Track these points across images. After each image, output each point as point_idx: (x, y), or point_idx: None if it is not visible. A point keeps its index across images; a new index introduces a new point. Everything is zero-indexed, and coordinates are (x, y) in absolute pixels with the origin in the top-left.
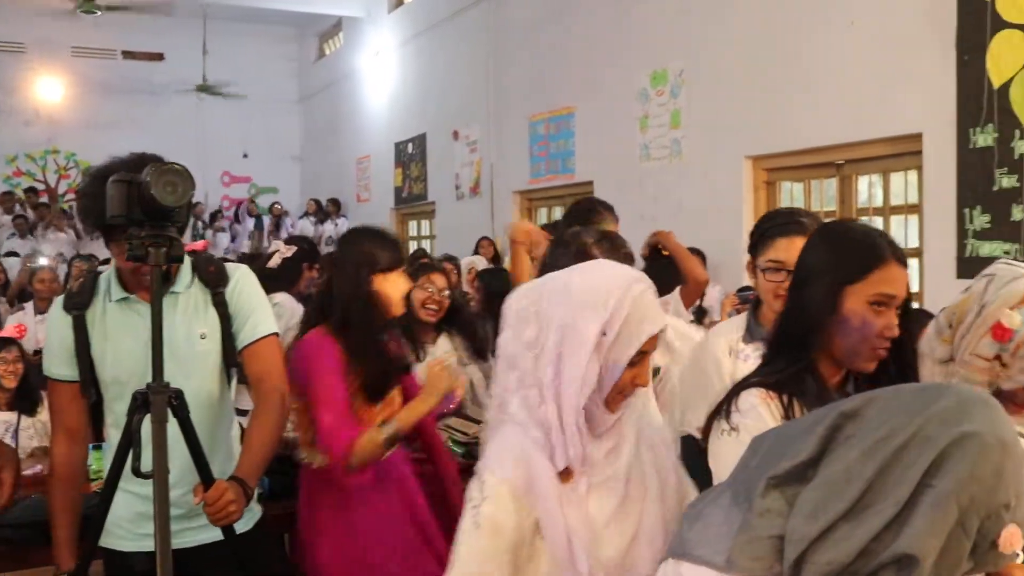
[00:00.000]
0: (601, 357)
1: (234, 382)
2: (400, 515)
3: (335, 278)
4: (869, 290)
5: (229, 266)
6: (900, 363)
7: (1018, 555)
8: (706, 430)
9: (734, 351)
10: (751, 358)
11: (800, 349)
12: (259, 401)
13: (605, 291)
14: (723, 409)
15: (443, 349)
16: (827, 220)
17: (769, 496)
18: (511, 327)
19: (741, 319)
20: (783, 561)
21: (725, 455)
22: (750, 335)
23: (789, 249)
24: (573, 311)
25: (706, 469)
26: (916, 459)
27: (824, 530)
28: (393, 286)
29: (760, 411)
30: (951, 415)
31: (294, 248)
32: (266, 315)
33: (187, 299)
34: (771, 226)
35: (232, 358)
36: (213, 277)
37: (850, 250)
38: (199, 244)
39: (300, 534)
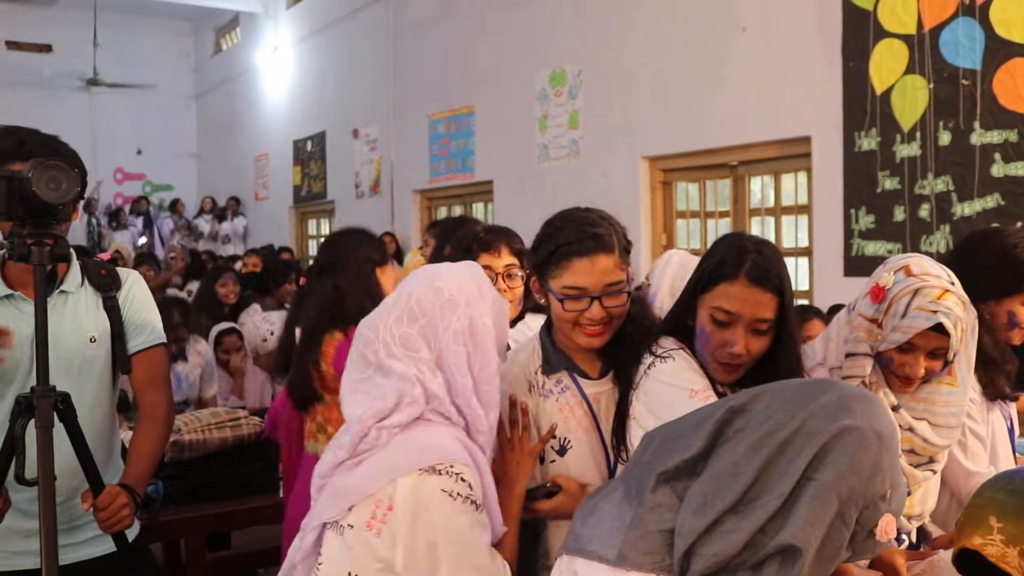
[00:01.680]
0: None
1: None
2: None
3: (341, 281)
4: (711, 302)
5: (121, 271)
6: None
7: (902, 540)
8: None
9: (535, 386)
10: (554, 393)
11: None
12: (144, 411)
13: (474, 282)
14: (646, 350)
15: None
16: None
17: (659, 491)
18: (403, 359)
19: (533, 346)
20: (673, 554)
21: (666, 383)
22: (549, 365)
23: (592, 272)
24: (466, 312)
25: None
26: (799, 452)
27: (712, 523)
28: (389, 279)
29: (681, 351)
30: (832, 410)
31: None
32: (157, 323)
33: (76, 300)
34: (564, 243)
35: (123, 363)
36: (105, 280)
37: (709, 261)
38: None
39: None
